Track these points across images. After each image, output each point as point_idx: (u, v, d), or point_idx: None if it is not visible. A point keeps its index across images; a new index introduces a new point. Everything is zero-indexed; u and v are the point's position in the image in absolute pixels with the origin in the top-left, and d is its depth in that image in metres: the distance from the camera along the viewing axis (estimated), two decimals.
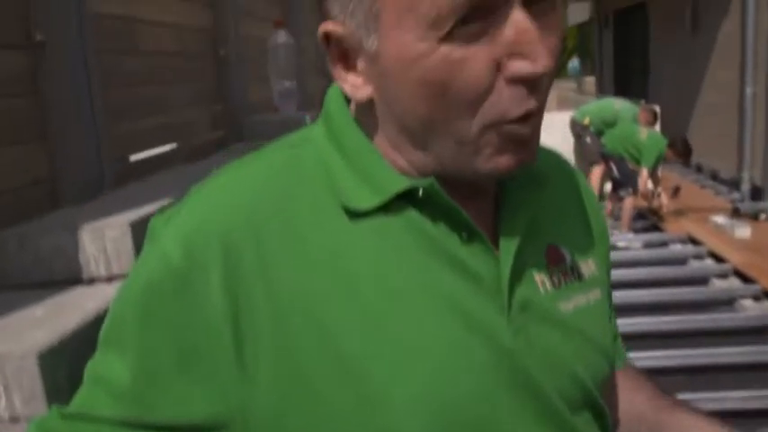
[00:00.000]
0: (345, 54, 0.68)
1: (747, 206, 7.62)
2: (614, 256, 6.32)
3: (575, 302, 0.76)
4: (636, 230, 7.25)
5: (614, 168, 7.28)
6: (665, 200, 7.32)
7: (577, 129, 8.36)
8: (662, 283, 5.65)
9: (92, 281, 1.48)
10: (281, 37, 3.45)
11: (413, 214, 0.68)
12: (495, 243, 0.72)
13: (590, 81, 18.61)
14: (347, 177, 0.69)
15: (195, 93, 2.88)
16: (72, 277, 1.49)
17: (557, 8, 0.64)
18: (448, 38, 0.59)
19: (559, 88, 18.12)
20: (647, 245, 6.80)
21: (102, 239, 1.42)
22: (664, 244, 6.79)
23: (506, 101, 0.62)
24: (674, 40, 10.98)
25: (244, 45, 3.28)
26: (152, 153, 2.54)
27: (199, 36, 2.95)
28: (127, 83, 2.38)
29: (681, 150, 7.04)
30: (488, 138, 0.64)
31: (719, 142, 8.67)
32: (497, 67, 0.61)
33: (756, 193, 8.30)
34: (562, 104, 14.56)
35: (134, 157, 2.40)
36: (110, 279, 1.44)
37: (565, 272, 0.77)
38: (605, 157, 7.48)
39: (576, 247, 0.81)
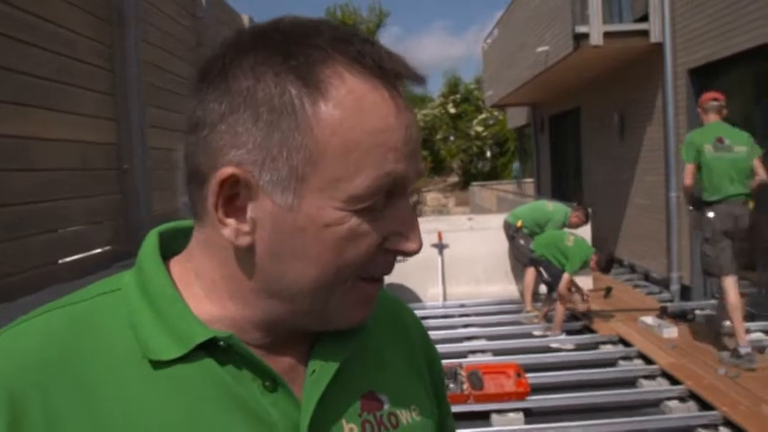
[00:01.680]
0: (233, 199, 0.68)
1: (676, 306, 7.79)
2: (546, 358, 6.38)
3: None
4: (568, 332, 7.31)
5: (544, 272, 7.40)
6: (587, 304, 7.41)
7: (510, 231, 8.52)
8: (592, 385, 5.67)
9: None
10: None
11: (213, 364, 0.70)
12: None
13: (529, 183, 19.13)
14: (150, 327, 0.70)
15: (95, 207, 2.88)
16: None
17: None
18: (359, 212, 0.67)
19: (500, 190, 18.52)
20: (579, 346, 6.86)
21: None
22: (595, 345, 6.86)
23: (378, 265, 0.71)
24: (605, 145, 11.44)
25: (150, 157, 3.31)
26: (44, 268, 2.49)
27: (102, 151, 2.97)
28: (17, 200, 2.36)
29: (603, 265, 7.13)
30: (352, 295, 0.71)
31: (650, 243, 8.95)
32: (382, 240, 0.70)
33: (685, 293, 8.50)
34: (502, 206, 14.89)
35: (21, 274, 2.35)
36: None
37: (380, 419, 0.77)
38: (534, 262, 7.62)
39: (396, 393, 0.81)
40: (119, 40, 3.01)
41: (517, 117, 19.64)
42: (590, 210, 8.43)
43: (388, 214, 0.70)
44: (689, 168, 5.86)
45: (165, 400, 0.67)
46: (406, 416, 0.80)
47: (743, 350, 5.64)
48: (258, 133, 0.66)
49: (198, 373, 0.69)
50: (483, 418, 5.11)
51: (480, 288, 9.00)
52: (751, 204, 5.82)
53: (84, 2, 2.96)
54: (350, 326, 0.73)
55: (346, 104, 0.66)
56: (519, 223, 8.38)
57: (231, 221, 0.68)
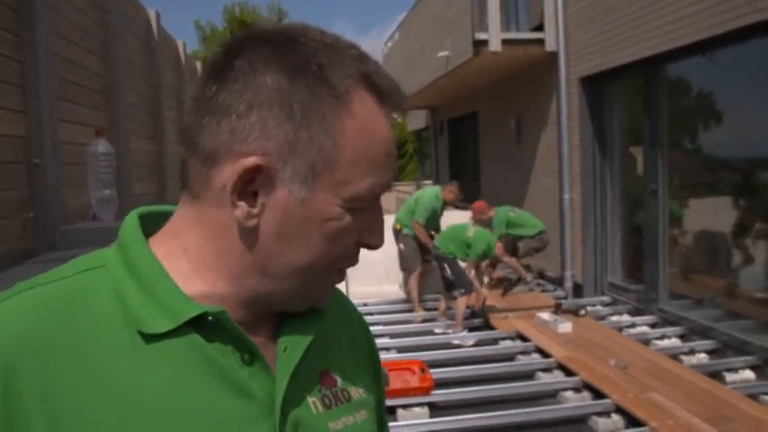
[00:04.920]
0: (248, 184, 0.74)
1: (569, 303, 8.16)
2: (448, 354, 6.56)
3: (343, 421, 0.85)
4: (469, 329, 7.54)
5: (448, 269, 7.57)
6: (485, 292, 7.73)
7: (394, 235, 8.58)
8: (493, 379, 5.89)
9: None
10: (101, 146, 3.42)
11: (200, 338, 0.75)
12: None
13: (428, 184, 19.44)
14: (140, 302, 0.74)
15: (2, 201, 2.77)
16: None
17: None
18: (353, 210, 0.77)
19: (399, 191, 18.77)
20: (480, 342, 7.09)
21: None
22: (494, 341, 7.11)
23: (352, 257, 0.82)
24: (502, 148, 11.82)
25: (61, 152, 3.21)
26: None
27: (11, 144, 2.87)
28: None
29: (509, 246, 7.52)
30: (327, 279, 0.82)
31: None
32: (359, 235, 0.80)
33: (578, 291, 8.92)
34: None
35: None
36: None
37: (336, 394, 0.86)
38: (439, 259, 7.76)
39: (346, 373, 0.90)
40: (27, 29, 2.91)
41: (416, 120, 19.94)
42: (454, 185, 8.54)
43: (368, 213, 0.80)
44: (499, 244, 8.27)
45: (155, 371, 0.72)
46: (355, 392, 0.89)
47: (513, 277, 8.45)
48: (289, 129, 0.73)
49: (185, 347, 0.74)
50: (389, 413, 5.20)
51: (383, 287, 9.13)
52: None
53: None
54: (315, 307, 0.84)
55: (365, 119, 0.76)
56: (398, 226, 8.42)
57: (242, 204, 0.74)
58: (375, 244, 0.82)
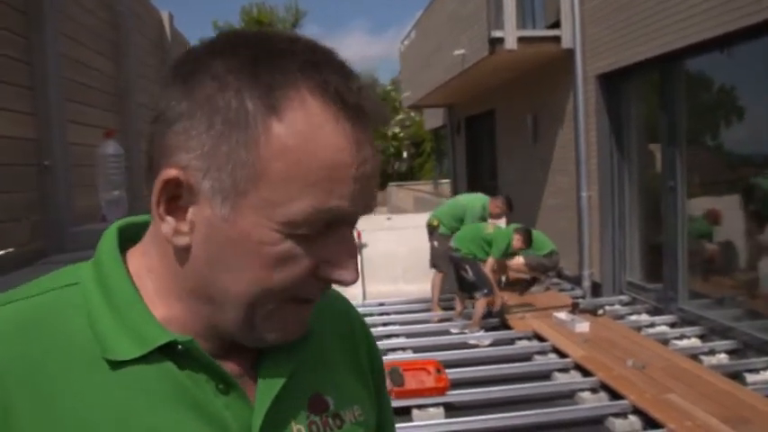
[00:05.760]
0: (176, 198, 0.69)
1: (587, 302, 8.08)
2: (465, 354, 6.52)
3: None
4: (485, 328, 7.49)
5: (470, 271, 7.46)
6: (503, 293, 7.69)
7: (429, 232, 8.58)
8: (509, 379, 5.83)
9: None
10: (111, 147, 3.42)
11: (170, 366, 0.70)
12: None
13: (446, 184, 19.39)
14: (109, 326, 0.70)
15: (12, 203, 2.78)
16: None
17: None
18: (295, 237, 0.67)
19: (417, 190, 18.73)
20: (496, 342, 7.04)
21: None
22: (511, 341, 7.05)
23: (309, 289, 0.72)
24: (519, 146, 11.74)
25: (71, 153, 3.22)
26: None
27: (19, 145, 2.87)
28: None
29: (524, 237, 7.46)
30: (281, 314, 0.72)
31: (562, 242, 9.23)
32: (316, 266, 0.70)
33: (596, 290, 8.83)
34: (419, 206, 15.05)
35: None
36: None
37: (325, 420, 0.80)
38: (461, 261, 7.59)
39: (341, 392, 0.84)
40: (36, 31, 2.92)
41: (434, 118, 19.85)
42: (501, 199, 8.49)
43: (326, 242, 0.70)
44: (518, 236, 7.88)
45: (122, 400, 0.67)
46: (349, 416, 0.83)
47: None
48: (208, 141, 0.66)
49: (155, 375, 0.70)
50: (404, 413, 5.17)
51: (399, 287, 9.10)
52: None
53: None
54: (279, 343, 0.75)
55: (300, 130, 0.65)
56: (435, 222, 8.40)
57: (170, 219, 0.69)
58: (339, 279, 0.71)
